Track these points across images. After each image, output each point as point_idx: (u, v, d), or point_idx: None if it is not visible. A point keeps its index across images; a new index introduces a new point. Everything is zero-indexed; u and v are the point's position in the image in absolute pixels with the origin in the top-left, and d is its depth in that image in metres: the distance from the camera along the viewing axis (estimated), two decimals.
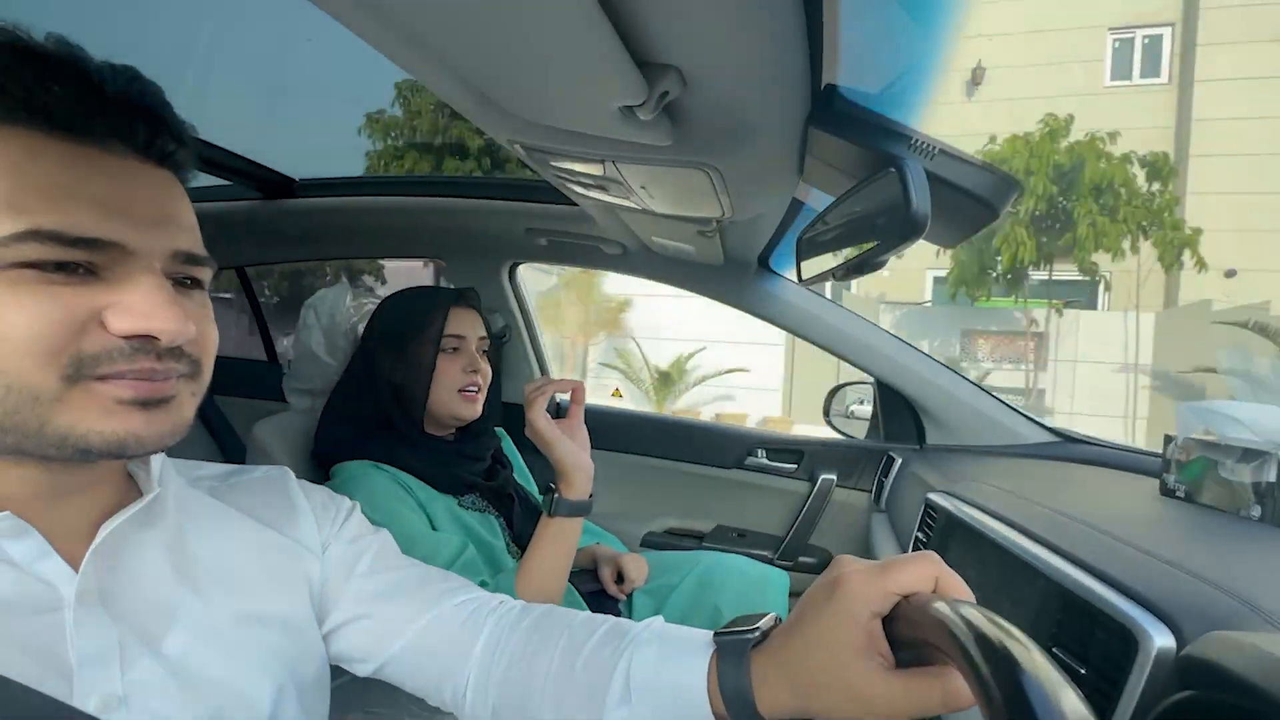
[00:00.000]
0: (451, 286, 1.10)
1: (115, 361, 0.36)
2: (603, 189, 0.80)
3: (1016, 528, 0.70)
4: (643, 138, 0.58)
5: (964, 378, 1.36)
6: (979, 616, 0.34)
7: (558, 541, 0.85)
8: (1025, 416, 1.31)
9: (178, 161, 0.41)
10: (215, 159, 1.17)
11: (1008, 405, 1.33)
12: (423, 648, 0.52)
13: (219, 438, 1.70)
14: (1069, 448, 1.24)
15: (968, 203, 0.58)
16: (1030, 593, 0.61)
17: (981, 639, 0.32)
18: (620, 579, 1.08)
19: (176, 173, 0.41)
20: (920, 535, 0.94)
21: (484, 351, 1.04)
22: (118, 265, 0.36)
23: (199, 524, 0.48)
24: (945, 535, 0.85)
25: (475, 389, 1.00)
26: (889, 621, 0.37)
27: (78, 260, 0.35)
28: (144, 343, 0.37)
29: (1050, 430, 1.28)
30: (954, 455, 1.29)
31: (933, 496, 0.93)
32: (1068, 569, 0.58)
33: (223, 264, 1.69)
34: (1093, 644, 0.52)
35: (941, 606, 0.36)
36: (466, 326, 1.01)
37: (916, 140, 0.57)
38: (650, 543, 1.58)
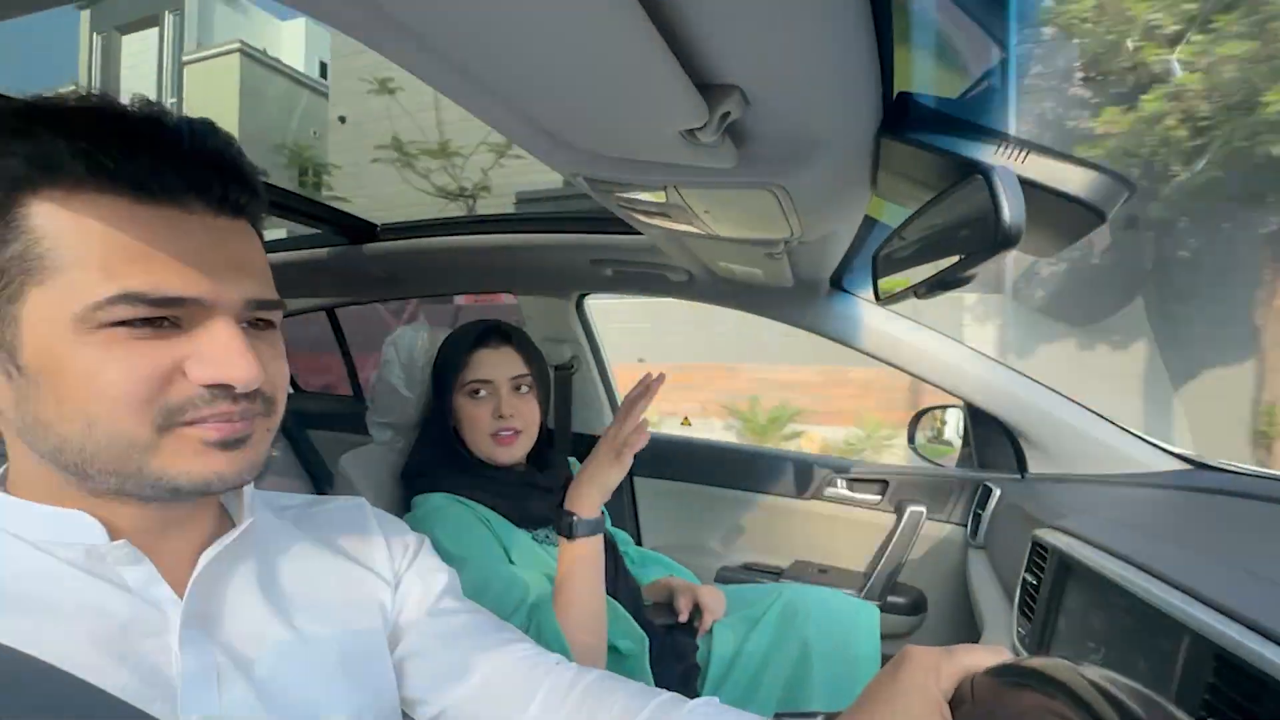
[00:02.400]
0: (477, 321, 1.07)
1: (198, 408, 0.39)
2: (666, 216, 0.79)
3: (1149, 572, 0.61)
4: (705, 161, 0.57)
5: (1070, 399, 1.23)
6: (1108, 679, 0.29)
7: (586, 563, 0.81)
8: (1147, 441, 1.17)
9: (251, 211, 0.43)
10: (305, 209, 1.26)
11: (1124, 429, 1.19)
12: (483, 698, 0.52)
13: (310, 469, 1.80)
14: (1203, 476, 1.09)
15: (1068, 207, 0.52)
16: (1173, 651, 0.53)
17: (1118, 704, 0.27)
18: (698, 615, 1.04)
19: (249, 220, 0.43)
20: (1028, 578, 0.84)
21: (529, 387, 1.00)
22: (197, 316, 0.39)
23: (285, 553, 0.51)
24: (1060, 579, 0.76)
25: (509, 432, 0.97)
26: (955, 710, 0.38)
27: (163, 316, 0.38)
28: (222, 390, 0.39)
29: (1179, 456, 1.13)
30: (1063, 486, 1.16)
31: (1041, 534, 0.84)
32: (1219, 623, 0.50)
33: (313, 307, 1.80)
34: (1259, 716, 0.44)
35: (1062, 665, 0.31)
36: (491, 369, 0.98)
37: (1004, 143, 0.52)
38: (725, 578, 1.52)
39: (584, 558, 0.80)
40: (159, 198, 0.37)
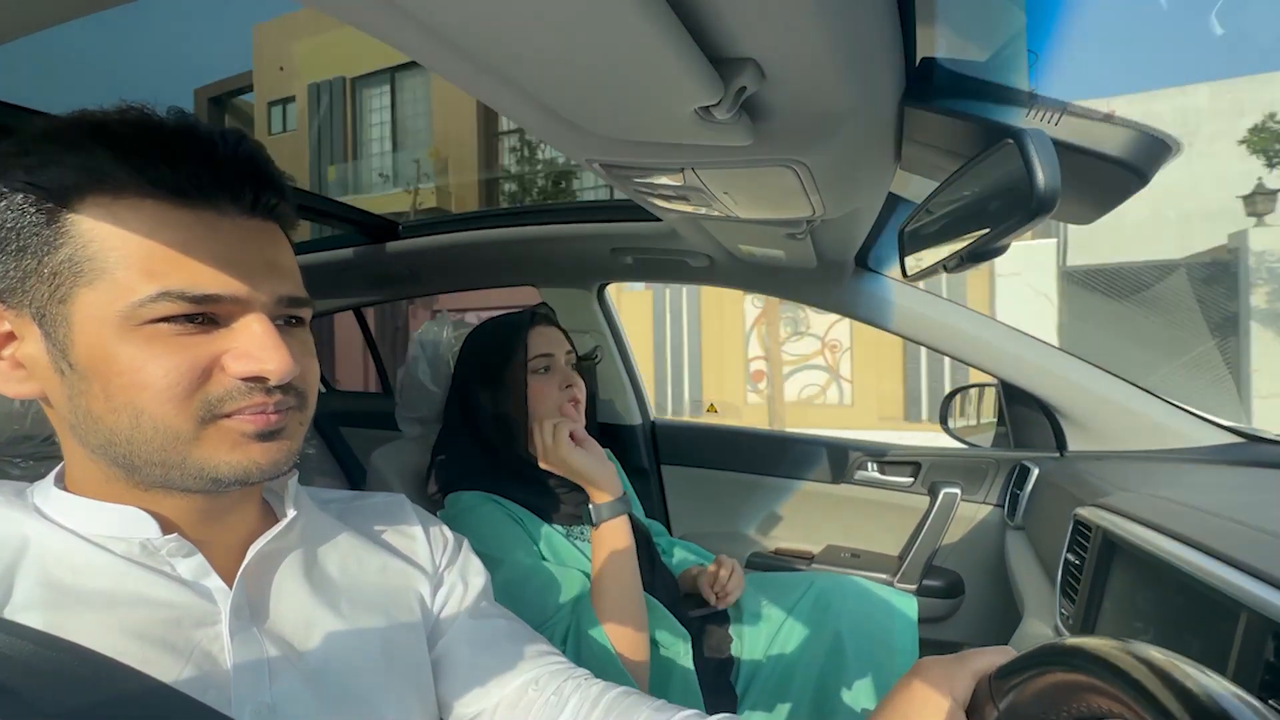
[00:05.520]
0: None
1: (235, 400, 0.40)
2: (684, 199, 0.78)
3: (1200, 548, 0.58)
4: (722, 139, 0.55)
5: (1110, 373, 1.19)
6: (1163, 656, 0.28)
7: (614, 548, 0.83)
8: (1195, 414, 1.12)
9: (280, 213, 0.45)
10: (329, 210, 1.28)
11: (1169, 402, 1.14)
12: (517, 709, 0.54)
13: (344, 465, 1.84)
14: (1257, 450, 1.04)
15: (1107, 169, 0.50)
16: (1227, 629, 0.51)
17: (1171, 681, 0.26)
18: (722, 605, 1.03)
19: (279, 222, 0.45)
20: (1070, 557, 0.82)
21: (574, 366, 1.03)
22: (233, 313, 0.41)
23: (329, 545, 0.52)
24: (1104, 558, 0.73)
25: (575, 403, 0.99)
26: (976, 714, 0.38)
27: (200, 313, 0.39)
28: (257, 382, 0.41)
29: (1229, 429, 1.09)
30: (1105, 463, 1.13)
31: (1083, 512, 0.81)
32: (1277, 599, 0.47)
33: (341, 306, 1.83)
34: None
35: (1105, 644, 0.30)
36: (551, 344, 1.00)
37: (1036, 105, 0.50)
38: (756, 564, 1.51)
39: (609, 541, 0.83)
40: (195, 202, 0.40)
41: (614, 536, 0.83)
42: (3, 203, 0.38)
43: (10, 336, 0.40)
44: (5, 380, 0.40)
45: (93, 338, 0.38)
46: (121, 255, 0.38)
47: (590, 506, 0.85)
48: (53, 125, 0.39)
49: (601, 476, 0.87)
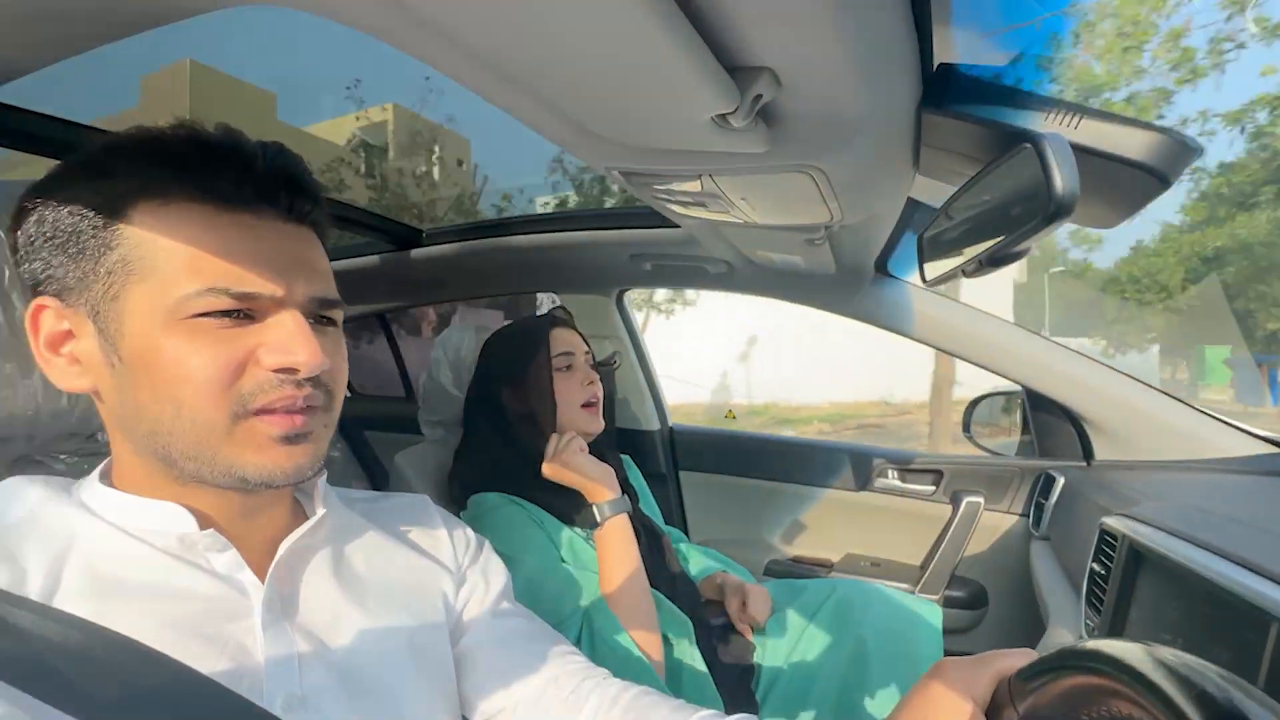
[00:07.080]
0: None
1: (267, 393, 0.42)
2: (702, 205, 0.79)
3: (1230, 558, 0.57)
4: (738, 146, 0.56)
5: (1139, 381, 1.16)
6: (1181, 660, 0.28)
7: (621, 545, 0.86)
8: (1228, 423, 1.09)
9: (314, 219, 0.48)
10: (355, 218, 1.31)
11: (1200, 410, 1.11)
12: (537, 705, 0.55)
13: (368, 468, 1.88)
14: None
15: (1128, 173, 0.49)
16: (1257, 641, 0.49)
17: (1197, 692, 0.26)
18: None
19: (314, 228, 0.48)
20: (1096, 567, 0.80)
21: (591, 366, 1.07)
22: (268, 310, 0.43)
23: (356, 542, 0.54)
24: (1131, 568, 0.72)
25: (595, 400, 1.03)
26: (996, 716, 0.38)
27: (240, 308, 0.42)
28: (288, 374, 0.43)
29: (1264, 439, 1.05)
30: (1133, 473, 1.10)
31: (1110, 521, 0.80)
32: None
33: (366, 312, 1.86)
34: None
35: (1125, 647, 0.30)
36: (571, 343, 1.04)
37: (1055, 108, 0.50)
38: (774, 571, 1.50)
39: (614, 537, 0.86)
40: (238, 207, 0.43)
41: (619, 534, 0.86)
42: (65, 209, 0.41)
43: (69, 334, 0.43)
44: (63, 375, 0.43)
45: (141, 331, 0.41)
46: (170, 255, 0.41)
47: (594, 506, 0.88)
48: (112, 140, 0.43)
49: (604, 478, 0.90)
